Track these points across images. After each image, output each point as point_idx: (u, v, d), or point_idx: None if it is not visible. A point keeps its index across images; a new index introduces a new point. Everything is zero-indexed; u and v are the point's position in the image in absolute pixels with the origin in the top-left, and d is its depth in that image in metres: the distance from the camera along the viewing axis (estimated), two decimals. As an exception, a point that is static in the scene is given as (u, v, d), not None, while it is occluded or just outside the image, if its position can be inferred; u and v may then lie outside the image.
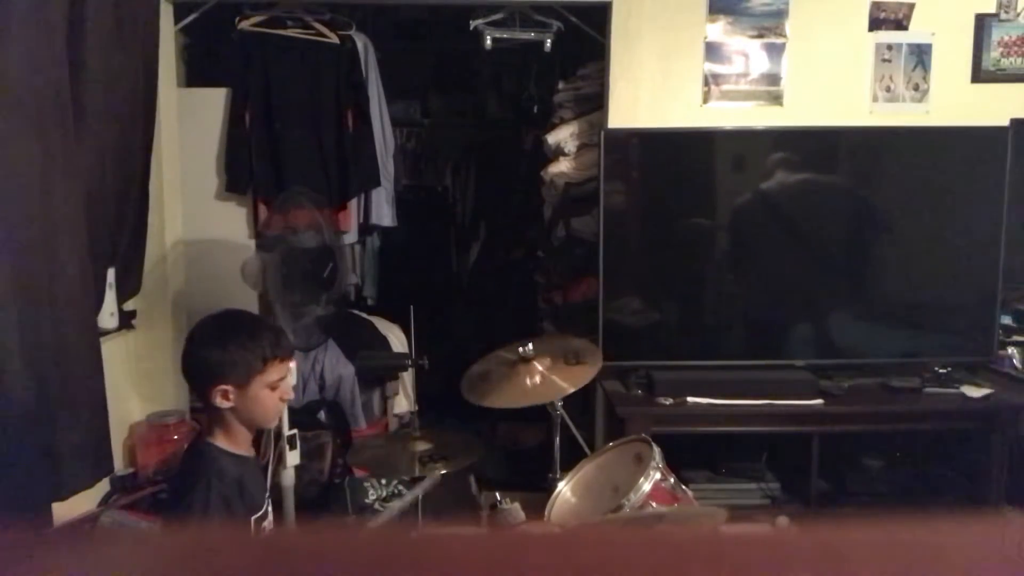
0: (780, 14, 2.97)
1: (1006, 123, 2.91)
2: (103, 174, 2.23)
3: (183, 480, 1.68)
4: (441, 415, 3.59)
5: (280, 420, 2.37)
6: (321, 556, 0.44)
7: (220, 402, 1.65)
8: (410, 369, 3.09)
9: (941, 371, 2.84)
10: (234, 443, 1.69)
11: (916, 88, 3.02)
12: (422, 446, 2.08)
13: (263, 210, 3.06)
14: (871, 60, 3.01)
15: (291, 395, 1.78)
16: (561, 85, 3.34)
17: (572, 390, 2.08)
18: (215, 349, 1.67)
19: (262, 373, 1.67)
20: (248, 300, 2.69)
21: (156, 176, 2.71)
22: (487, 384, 2.12)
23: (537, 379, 2.08)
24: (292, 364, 2.36)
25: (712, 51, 2.98)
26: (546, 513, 1.89)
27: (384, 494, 2.68)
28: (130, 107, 2.39)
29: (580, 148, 3.18)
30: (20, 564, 0.42)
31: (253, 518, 1.67)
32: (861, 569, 0.42)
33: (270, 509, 1.77)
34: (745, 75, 3.00)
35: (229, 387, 1.64)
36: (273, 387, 1.69)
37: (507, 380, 2.10)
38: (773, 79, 3.00)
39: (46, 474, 1.89)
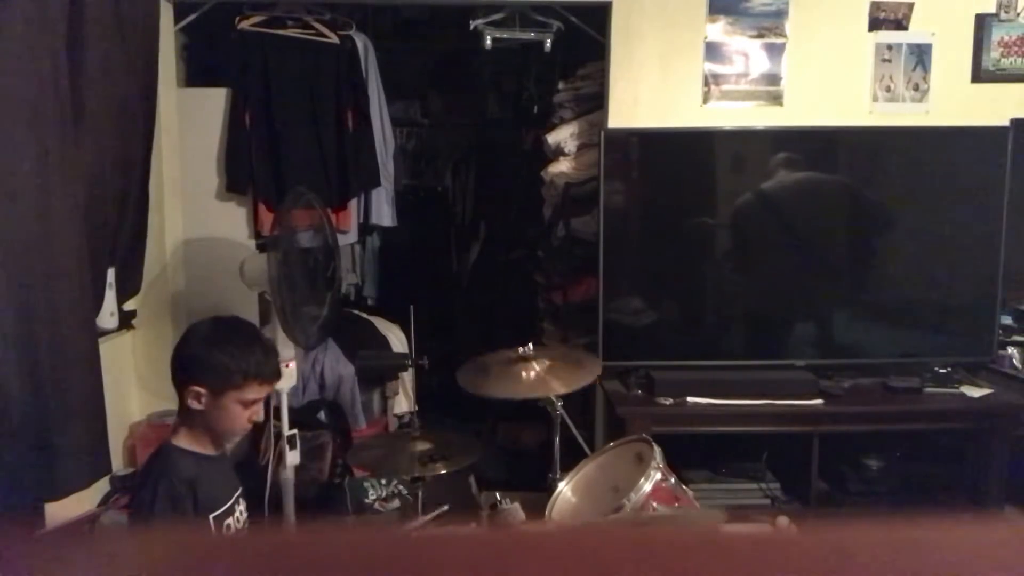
0: (780, 14, 2.97)
1: (1006, 123, 2.92)
2: (103, 174, 2.22)
3: (140, 479, 1.69)
4: (441, 415, 3.59)
5: (279, 420, 2.38)
6: (322, 556, 0.44)
7: (191, 402, 1.65)
8: (410, 369, 3.09)
9: (941, 371, 2.84)
10: (198, 443, 1.70)
11: (916, 88, 3.02)
12: (422, 446, 2.08)
13: (263, 210, 3.06)
14: (871, 60, 3.01)
15: (260, 418, 1.77)
16: (561, 85, 3.34)
17: (568, 391, 2.07)
18: (201, 349, 1.68)
19: (238, 388, 1.67)
20: (248, 300, 2.69)
21: (156, 176, 2.71)
22: (484, 375, 2.11)
23: (532, 374, 2.09)
24: (292, 365, 2.36)
25: (712, 51, 2.98)
26: (546, 513, 1.89)
27: (384, 494, 2.68)
28: (130, 107, 2.39)
29: (580, 148, 3.18)
30: (20, 564, 0.42)
31: (212, 516, 1.67)
32: (861, 569, 0.42)
33: (239, 507, 1.76)
34: (745, 75, 3.00)
35: (203, 390, 1.65)
36: (246, 405, 1.69)
37: (504, 373, 2.10)
38: (773, 79, 3.00)
39: (42, 474, 1.88)
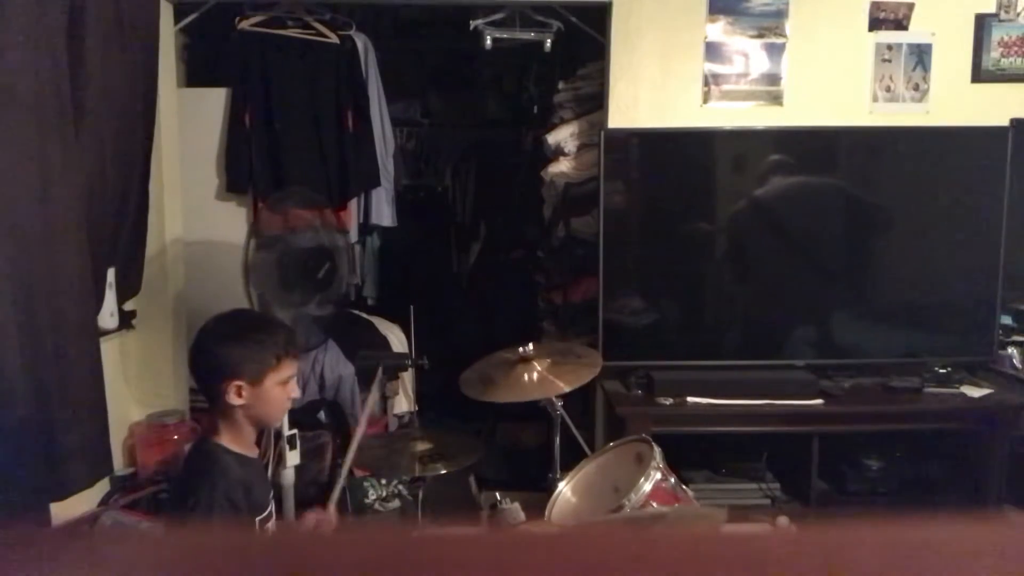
0: (780, 14, 2.97)
1: (1006, 123, 2.91)
2: (103, 174, 2.22)
3: (188, 480, 1.68)
4: (441, 415, 3.59)
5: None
6: (322, 556, 0.44)
7: (233, 399, 1.64)
8: (410, 369, 3.09)
9: (941, 371, 2.84)
10: (239, 443, 1.69)
11: (916, 88, 3.02)
12: (422, 446, 2.08)
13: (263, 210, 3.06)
14: (871, 60, 3.01)
15: (297, 393, 1.79)
16: (561, 85, 3.34)
17: (569, 389, 2.07)
18: (232, 345, 1.67)
19: (276, 370, 1.68)
20: (248, 300, 2.69)
21: (156, 176, 2.70)
22: (486, 380, 2.12)
23: (535, 376, 2.09)
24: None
25: (712, 51, 2.98)
26: (546, 513, 1.89)
27: (384, 494, 2.68)
28: (130, 107, 2.39)
29: (580, 148, 3.18)
30: (20, 564, 0.41)
31: (258, 519, 1.67)
32: (861, 569, 0.42)
33: (274, 510, 1.78)
34: (745, 75, 3.00)
35: (243, 383, 1.64)
36: (283, 384, 1.71)
37: (506, 376, 2.10)
38: (773, 79, 3.00)
39: (45, 474, 1.88)
